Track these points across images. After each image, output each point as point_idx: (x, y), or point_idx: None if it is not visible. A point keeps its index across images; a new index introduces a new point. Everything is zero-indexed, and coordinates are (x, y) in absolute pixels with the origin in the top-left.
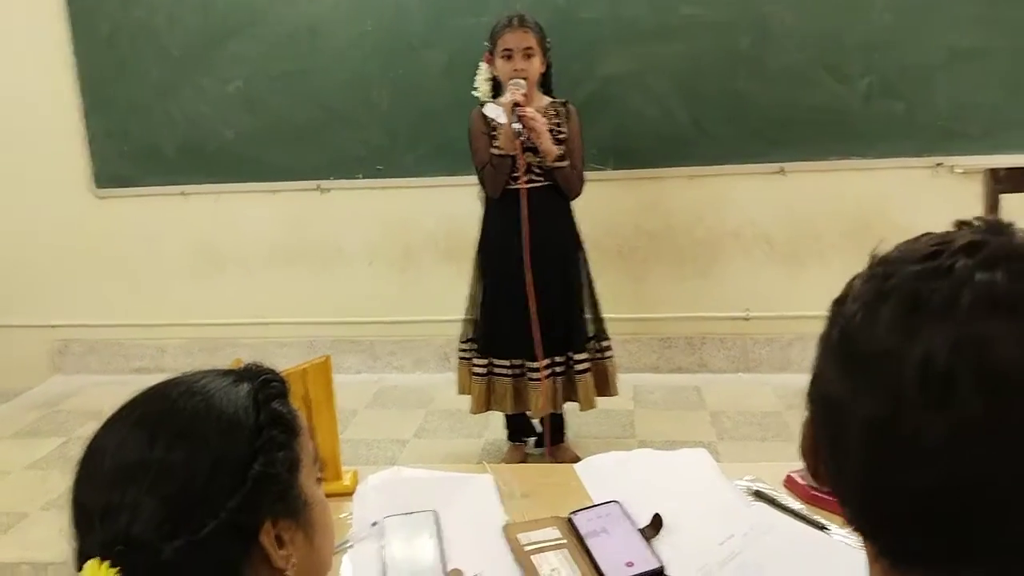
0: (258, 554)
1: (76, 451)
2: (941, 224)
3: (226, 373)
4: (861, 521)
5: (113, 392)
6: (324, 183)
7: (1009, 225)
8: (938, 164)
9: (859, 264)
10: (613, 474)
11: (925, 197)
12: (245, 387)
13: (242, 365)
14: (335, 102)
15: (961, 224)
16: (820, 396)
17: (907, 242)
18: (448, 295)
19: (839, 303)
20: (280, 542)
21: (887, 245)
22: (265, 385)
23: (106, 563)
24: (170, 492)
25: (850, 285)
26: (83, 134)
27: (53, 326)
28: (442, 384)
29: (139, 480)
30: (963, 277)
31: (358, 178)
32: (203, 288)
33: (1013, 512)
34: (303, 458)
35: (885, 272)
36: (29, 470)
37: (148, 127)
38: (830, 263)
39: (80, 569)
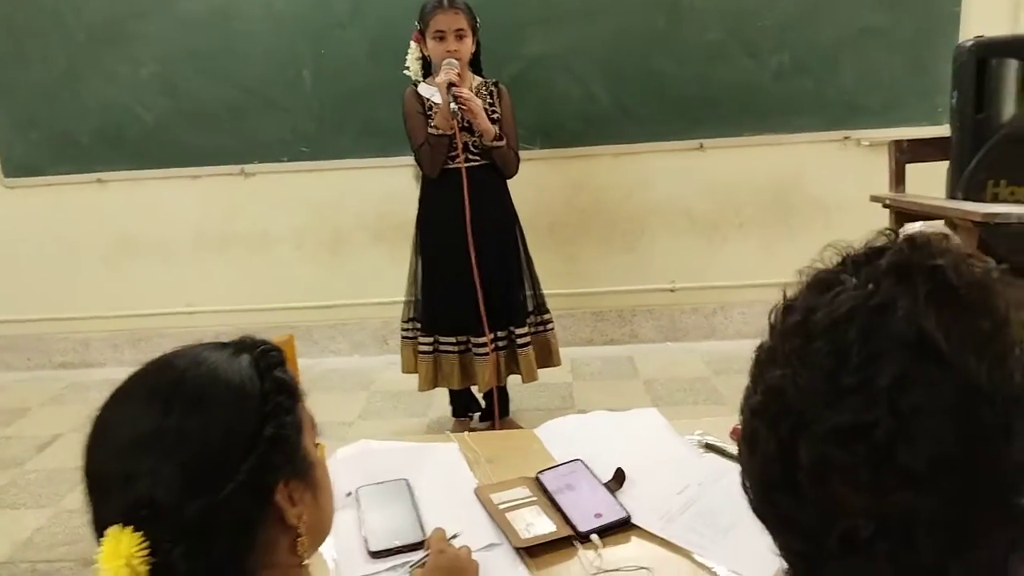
0: (272, 514)
1: (4, 450)
2: (850, 193)
3: (223, 345)
4: None
5: (37, 388)
6: (248, 167)
7: (948, 324)
8: (846, 137)
9: (775, 234)
10: (572, 435)
11: (835, 169)
12: (246, 357)
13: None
14: (257, 84)
15: (894, 268)
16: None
17: (828, 324)
18: (382, 277)
19: (755, 407)
20: (292, 501)
21: (798, 218)
22: (264, 355)
23: (128, 528)
24: (188, 457)
25: (759, 377)
26: None
27: None
28: (381, 366)
29: (157, 447)
30: (881, 446)
31: (283, 161)
32: (125, 278)
33: None
34: (305, 422)
35: (800, 411)
36: None
37: (57, 113)
38: (749, 234)
39: (100, 536)
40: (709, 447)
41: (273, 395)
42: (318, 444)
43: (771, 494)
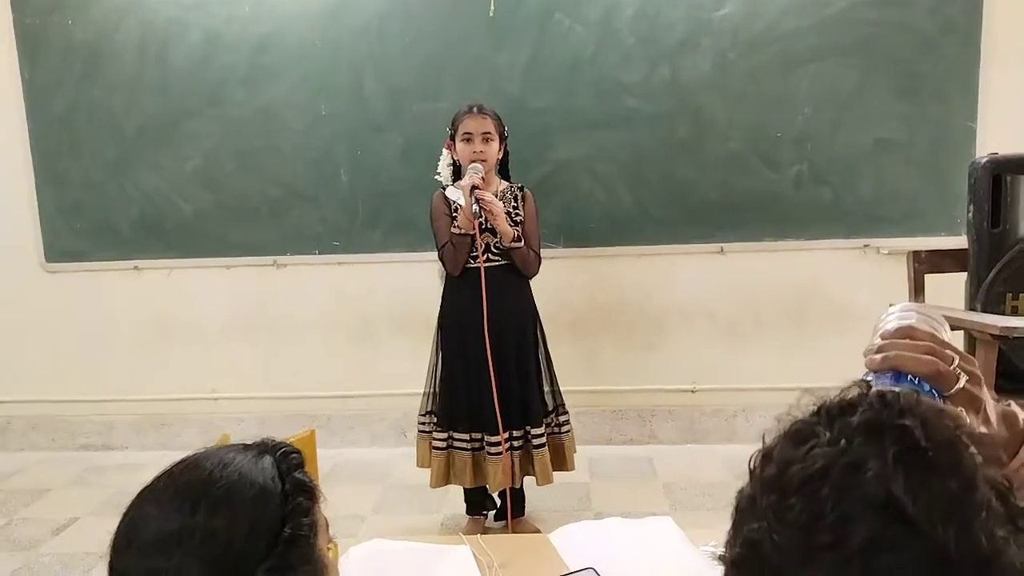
0: None
1: (20, 532)
2: (869, 301)
3: (247, 447)
4: None
5: (58, 469)
6: (281, 259)
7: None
8: (865, 245)
9: (795, 339)
10: (586, 542)
11: (855, 276)
12: (268, 460)
13: (230, 441)
14: (295, 181)
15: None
16: None
17: (802, 480)
18: (404, 370)
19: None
20: None
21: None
22: (285, 457)
23: None
24: (213, 554)
25: (738, 527)
26: (34, 209)
27: None
28: (399, 458)
29: (184, 544)
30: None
31: (315, 253)
32: (153, 363)
33: None
34: (320, 523)
35: (776, 568)
36: None
37: (102, 203)
38: (769, 338)
39: None
40: (723, 559)
41: (293, 496)
42: (330, 546)
43: None
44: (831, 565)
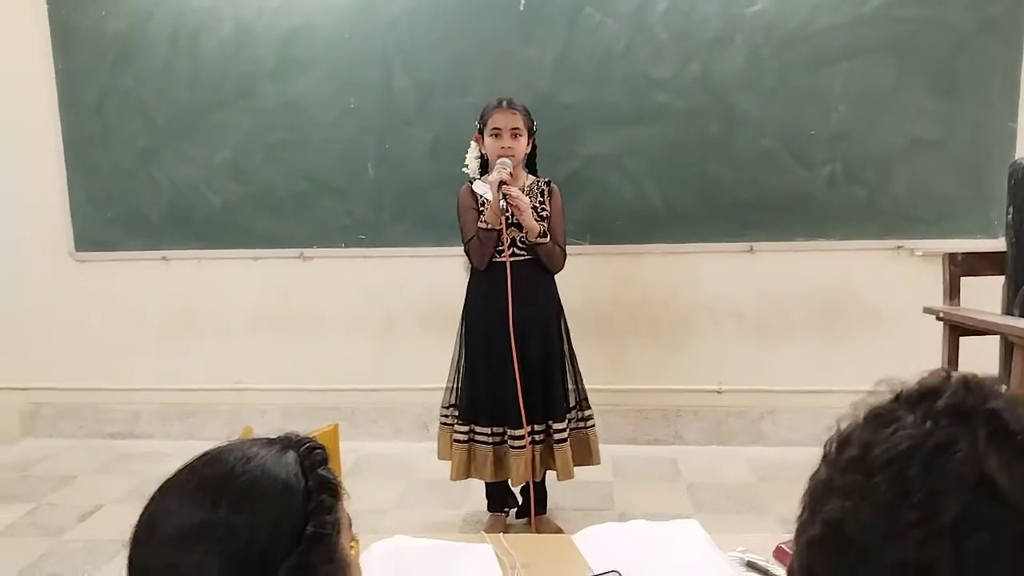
0: None
1: (47, 517)
2: (902, 303)
3: (270, 442)
4: None
5: (85, 457)
6: (307, 251)
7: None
8: (899, 247)
9: (825, 341)
10: (610, 544)
11: (888, 278)
12: (291, 455)
13: (253, 433)
14: (323, 174)
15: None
16: None
17: (887, 459)
18: (428, 363)
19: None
20: None
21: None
22: (309, 453)
23: None
24: (235, 551)
25: (815, 508)
26: (65, 198)
27: (25, 389)
28: (422, 453)
29: (205, 539)
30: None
31: (341, 247)
32: (180, 353)
33: None
34: (343, 521)
35: (862, 545)
36: None
37: (132, 192)
38: (798, 339)
39: None
40: (751, 565)
41: (316, 493)
42: (353, 544)
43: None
44: (920, 540)
